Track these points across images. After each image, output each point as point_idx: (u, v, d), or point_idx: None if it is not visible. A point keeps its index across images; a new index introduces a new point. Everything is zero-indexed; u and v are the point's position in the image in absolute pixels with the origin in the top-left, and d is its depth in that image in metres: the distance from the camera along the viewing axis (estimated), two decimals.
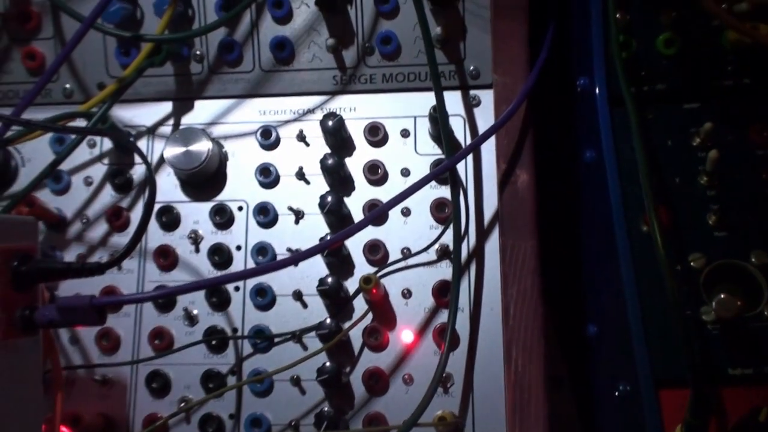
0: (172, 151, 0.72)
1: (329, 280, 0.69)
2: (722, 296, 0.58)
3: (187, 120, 0.77)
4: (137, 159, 0.76)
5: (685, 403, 0.57)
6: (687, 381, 0.58)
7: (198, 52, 0.77)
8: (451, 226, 0.70)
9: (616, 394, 0.64)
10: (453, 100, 0.74)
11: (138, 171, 0.76)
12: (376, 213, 0.67)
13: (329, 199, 0.71)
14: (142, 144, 0.77)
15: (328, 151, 0.74)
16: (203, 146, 0.72)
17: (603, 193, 0.68)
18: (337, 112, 0.75)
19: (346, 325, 0.70)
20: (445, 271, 0.71)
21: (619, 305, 0.65)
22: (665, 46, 0.67)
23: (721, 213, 0.63)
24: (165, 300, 0.72)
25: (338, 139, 0.74)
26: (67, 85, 0.78)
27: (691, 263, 0.62)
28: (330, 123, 0.72)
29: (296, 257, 0.64)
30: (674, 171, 0.65)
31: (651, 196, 0.60)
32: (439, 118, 0.69)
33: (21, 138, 0.67)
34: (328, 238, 0.72)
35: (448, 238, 0.71)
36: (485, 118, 0.74)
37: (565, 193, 0.77)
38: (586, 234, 0.75)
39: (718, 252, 0.62)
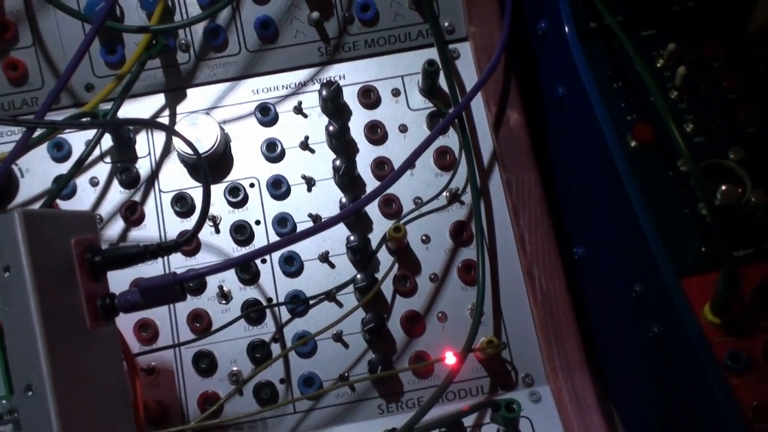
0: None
1: (354, 237, 0.73)
2: (723, 187, 0.65)
3: (182, 109, 0.78)
4: (140, 153, 0.77)
5: (703, 288, 0.64)
6: (701, 268, 0.65)
7: (183, 42, 0.78)
8: (458, 170, 0.75)
9: (633, 295, 0.71)
10: (434, 56, 0.78)
11: (143, 165, 0.77)
12: (397, 174, 0.67)
13: (340, 162, 0.74)
14: (141, 138, 0.77)
15: (327, 119, 0.78)
16: (211, 129, 0.74)
17: (578, 123, 0.74)
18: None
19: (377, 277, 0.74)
20: (456, 213, 0.76)
21: (611, 219, 0.72)
22: None
23: (695, 121, 0.70)
24: (195, 283, 0.74)
25: (336, 106, 0.77)
26: None
27: (681, 167, 0.69)
28: (327, 91, 0.76)
29: (323, 224, 0.62)
30: (646, 91, 0.72)
31: (666, 106, 0.65)
32: (443, 68, 0.74)
33: (42, 140, 0.67)
34: (343, 200, 0.75)
35: (453, 183, 0.76)
36: (466, 68, 0.80)
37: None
38: (560, 164, 0.82)
39: (699, 155, 0.70)
